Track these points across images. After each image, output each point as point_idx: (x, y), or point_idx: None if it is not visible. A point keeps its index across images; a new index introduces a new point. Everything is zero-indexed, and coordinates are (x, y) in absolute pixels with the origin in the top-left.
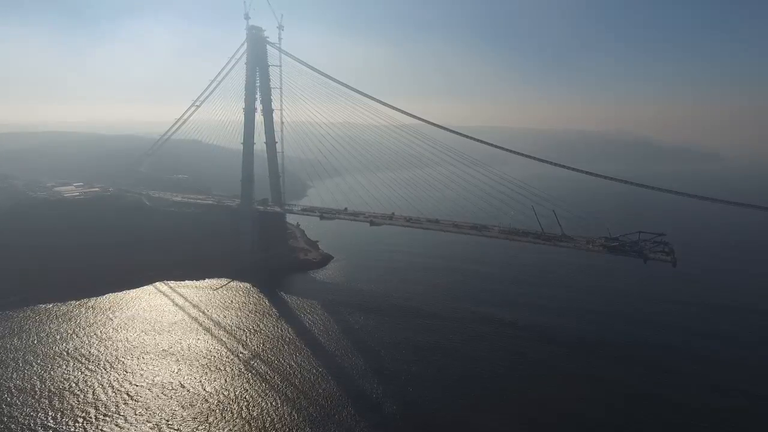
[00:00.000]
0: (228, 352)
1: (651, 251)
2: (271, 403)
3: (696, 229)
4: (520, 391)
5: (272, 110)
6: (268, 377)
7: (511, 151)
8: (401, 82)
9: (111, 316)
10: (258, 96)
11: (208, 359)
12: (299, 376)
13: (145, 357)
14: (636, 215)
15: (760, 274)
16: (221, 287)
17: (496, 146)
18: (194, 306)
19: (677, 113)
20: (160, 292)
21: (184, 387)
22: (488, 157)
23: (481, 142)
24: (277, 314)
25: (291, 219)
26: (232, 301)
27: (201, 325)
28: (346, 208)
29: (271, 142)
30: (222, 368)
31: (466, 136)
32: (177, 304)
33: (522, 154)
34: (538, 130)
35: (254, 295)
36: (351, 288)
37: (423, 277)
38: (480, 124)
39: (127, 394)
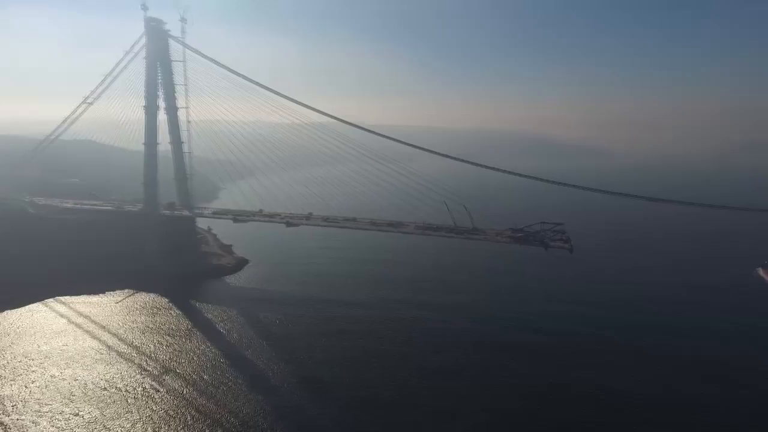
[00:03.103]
0: (133, 370)
1: (551, 240)
2: (187, 420)
3: (588, 218)
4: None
5: (177, 108)
6: (182, 392)
7: (424, 149)
8: (316, 81)
9: None
10: (161, 93)
11: (109, 379)
12: (217, 388)
13: (29, 385)
14: (538, 207)
15: (641, 255)
16: (123, 300)
17: (410, 144)
18: (92, 322)
19: (574, 113)
20: (52, 309)
21: (78, 415)
22: (402, 155)
23: (395, 140)
24: (189, 324)
25: (202, 223)
26: (136, 314)
27: (100, 342)
28: (261, 210)
29: (176, 142)
30: (126, 388)
31: (380, 135)
32: (72, 322)
33: (434, 152)
34: (450, 129)
35: (162, 306)
36: (268, 290)
37: (342, 273)
38: (395, 123)
39: None
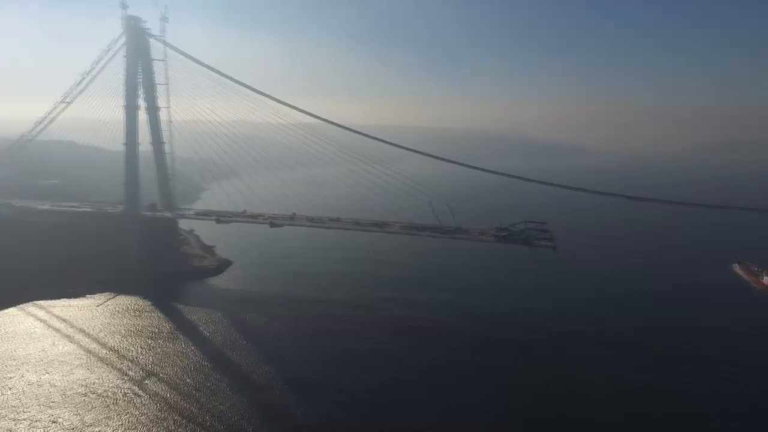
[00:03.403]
0: (114, 375)
1: (535, 239)
2: (170, 426)
3: (570, 217)
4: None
5: (158, 108)
6: (165, 397)
7: (409, 149)
8: (299, 81)
9: None
10: (141, 93)
11: (89, 384)
12: (203, 392)
13: (5, 392)
14: (521, 206)
15: (623, 252)
16: (104, 303)
17: (395, 144)
18: (72, 326)
19: (551, 113)
20: (29, 314)
21: (57, 422)
22: (388, 155)
23: (381, 140)
24: (173, 327)
25: (184, 224)
26: (117, 318)
27: (80, 346)
28: (244, 210)
29: (158, 142)
30: (107, 393)
31: (366, 135)
32: (51, 326)
33: (419, 152)
34: (434, 129)
35: (144, 309)
36: (253, 292)
37: (327, 273)
38: (379, 123)
39: None
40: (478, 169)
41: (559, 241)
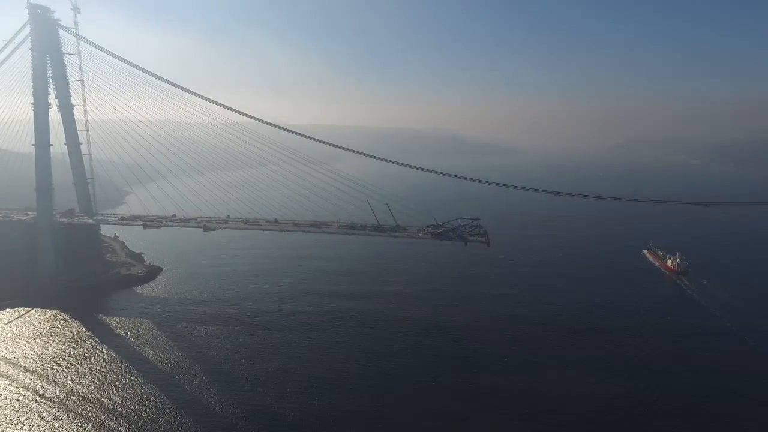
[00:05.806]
0: (32, 396)
1: (470, 234)
2: None
3: (501, 212)
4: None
5: (72, 106)
6: (90, 415)
7: (346, 148)
8: (226, 80)
9: None
10: (52, 89)
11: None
12: (131, 405)
13: None
14: (456, 203)
15: (546, 241)
16: (15, 319)
17: (331, 144)
18: None
19: (477, 112)
20: None
21: None
22: (322, 155)
23: (317, 140)
24: (96, 340)
25: (108, 230)
26: (33, 334)
27: None
28: (174, 214)
29: (73, 143)
30: (20, 419)
31: (302, 135)
32: None
33: (356, 152)
34: (370, 129)
35: (63, 323)
36: (185, 299)
37: (265, 278)
38: (311, 123)
39: None
40: (415, 168)
41: (492, 235)
